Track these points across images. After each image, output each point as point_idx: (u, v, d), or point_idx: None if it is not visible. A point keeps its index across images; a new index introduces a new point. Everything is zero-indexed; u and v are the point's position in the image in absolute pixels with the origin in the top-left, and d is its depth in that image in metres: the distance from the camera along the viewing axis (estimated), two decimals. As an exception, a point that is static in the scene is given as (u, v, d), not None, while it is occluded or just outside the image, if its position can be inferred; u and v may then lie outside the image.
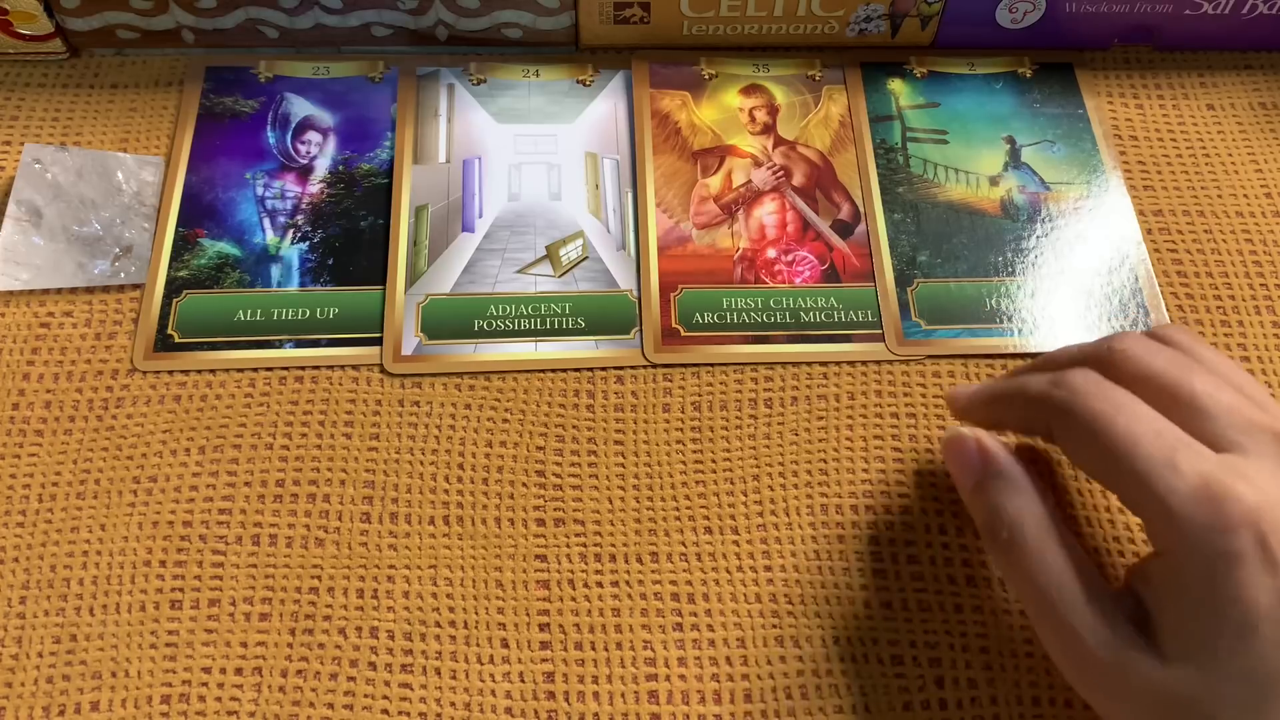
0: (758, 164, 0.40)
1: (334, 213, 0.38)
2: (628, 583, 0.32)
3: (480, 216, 0.38)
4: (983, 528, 0.28)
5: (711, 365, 0.35)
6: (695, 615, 0.31)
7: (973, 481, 0.29)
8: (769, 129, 0.40)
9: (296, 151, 0.39)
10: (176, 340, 0.35)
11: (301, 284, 0.36)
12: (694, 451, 0.34)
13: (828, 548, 0.32)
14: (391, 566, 0.32)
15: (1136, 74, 0.43)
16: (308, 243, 0.37)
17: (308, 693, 0.30)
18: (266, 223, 0.37)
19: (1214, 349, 0.29)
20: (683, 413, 0.35)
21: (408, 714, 0.29)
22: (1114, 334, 0.30)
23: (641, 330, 0.36)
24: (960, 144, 0.40)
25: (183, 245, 0.37)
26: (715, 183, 0.39)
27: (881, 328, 0.36)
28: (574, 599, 0.31)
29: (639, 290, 0.37)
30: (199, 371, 0.35)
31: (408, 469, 0.33)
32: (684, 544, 0.32)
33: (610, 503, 0.33)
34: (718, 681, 0.30)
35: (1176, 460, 0.25)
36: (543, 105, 0.41)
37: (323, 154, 0.39)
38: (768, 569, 0.32)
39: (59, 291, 0.36)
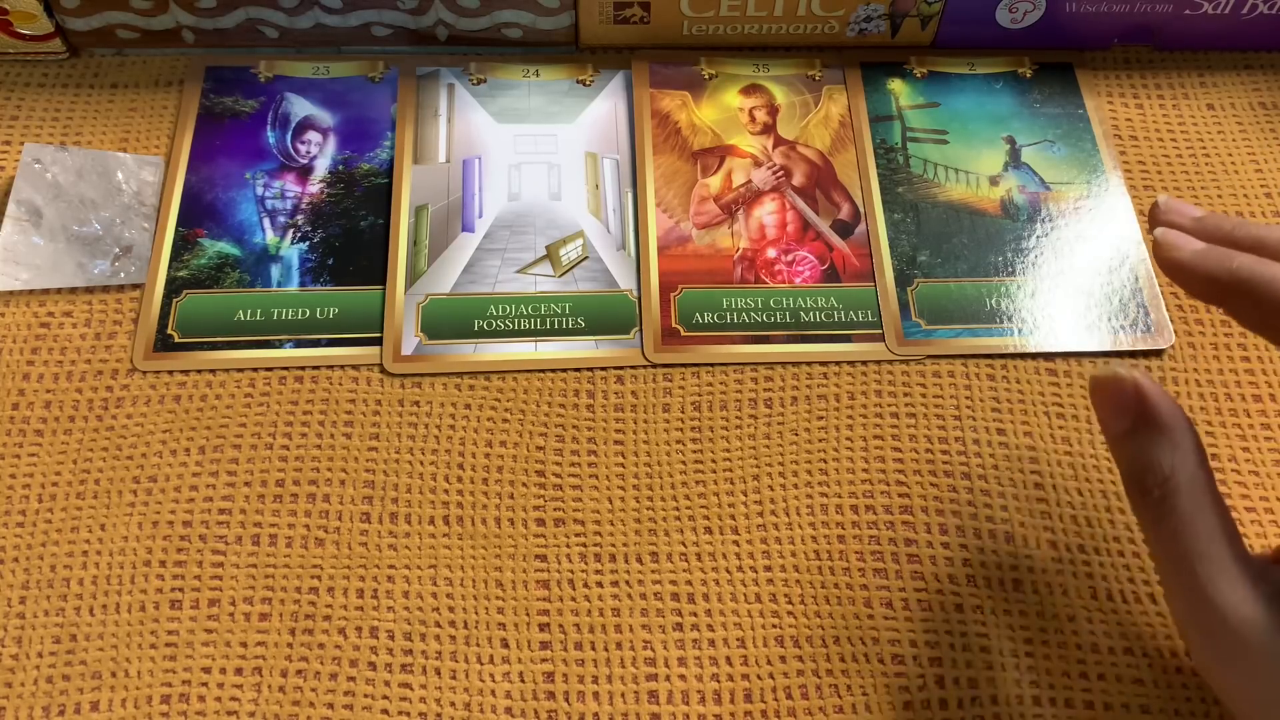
0: (758, 164, 0.40)
1: (334, 213, 0.38)
2: (628, 583, 0.32)
3: (480, 216, 0.38)
4: (1129, 478, 0.26)
5: (711, 365, 0.35)
6: (695, 615, 0.31)
7: (1124, 427, 0.26)
8: (769, 129, 0.40)
9: (296, 151, 0.39)
10: (176, 340, 0.35)
11: (301, 284, 0.36)
12: (694, 451, 0.34)
13: (828, 548, 0.32)
14: (391, 566, 0.32)
15: (1136, 74, 0.43)
16: (308, 243, 0.37)
17: (308, 693, 0.30)
18: (266, 223, 0.37)
19: None
20: (683, 413, 0.35)
21: (408, 714, 0.29)
22: None
23: (641, 330, 0.36)
24: (960, 144, 0.40)
25: (183, 245, 0.37)
26: (715, 183, 0.39)
27: (881, 328, 0.36)
28: (574, 599, 0.31)
29: (639, 290, 0.37)
30: (199, 371, 0.35)
31: (408, 469, 0.33)
32: (684, 544, 0.32)
33: (610, 503, 0.33)
34: (718, 681, 0.30)
35: None
36: (543, 105, 0.41)
37: (323, 154, 0.39)
38: (768, 569, 0.32)
39: (59, 291, 0.36)
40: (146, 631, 0.30)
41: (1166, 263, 0.28)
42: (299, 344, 0.35)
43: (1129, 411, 0.26)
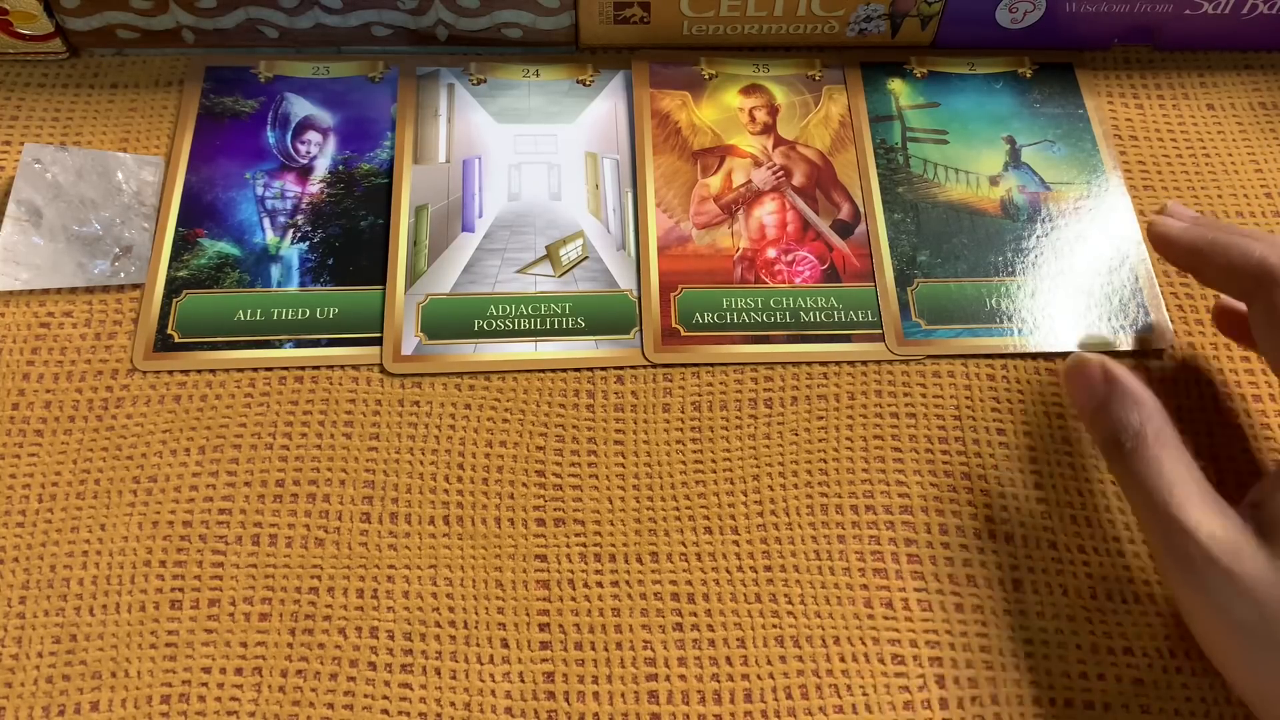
0: (758, 164, 0.40)
1: (334, 213, 0.38)
2: (628, 583, 0.32)
3: (480, 216, 0.38)
4: (1104, 443, 0.29)
5: (711, 365, 0.35)
6: (695, 615, 0.31)
7: (1096, 402, 0.30)
8: (769, 129, 0.40)
9: (296, 151, 0.39)
10: (176, 340, 0.35)
11: (301, 284, 0.36)
12: (694, 451, 0.34)
13: (828, 548, 0.32)
14: (391, 566, 0.32)
15: (1136, 74, 0.43)
16: (308, 243, 0.37)
17: (308, 693, 0.30)
18: (266, 223, 0.37)
19: None
20: (683, 413, 0.35)
21: (408, 714, 0.29)
22: None
23: (641, 330, 0.36)
24: (960, 144, 0.40)
25: (183, 245, 0.37)
26: (715, 183, 0.39)
27: (881, 328, 0.36)
28: (574, 599, 0.31)
29: (639, 290, 0.37)
30: (199, 371, 0.35)
31: (408, 469, 0.33)
32: (684, 544, 0.32)
33: (610, 503, 0.33)
34: (718, 681, 0.30)
35: None
36: (543, 105, 0.41)
37: (323, 154, 0.39)
38: (768, 569, 0.32)
39: (59, 291, 0.36)
40: (146, 631, 0.30)
41: (1156, 239, 0.34)
42: (299, 344, 0.35)
43: (1099, 388, 0.30)
